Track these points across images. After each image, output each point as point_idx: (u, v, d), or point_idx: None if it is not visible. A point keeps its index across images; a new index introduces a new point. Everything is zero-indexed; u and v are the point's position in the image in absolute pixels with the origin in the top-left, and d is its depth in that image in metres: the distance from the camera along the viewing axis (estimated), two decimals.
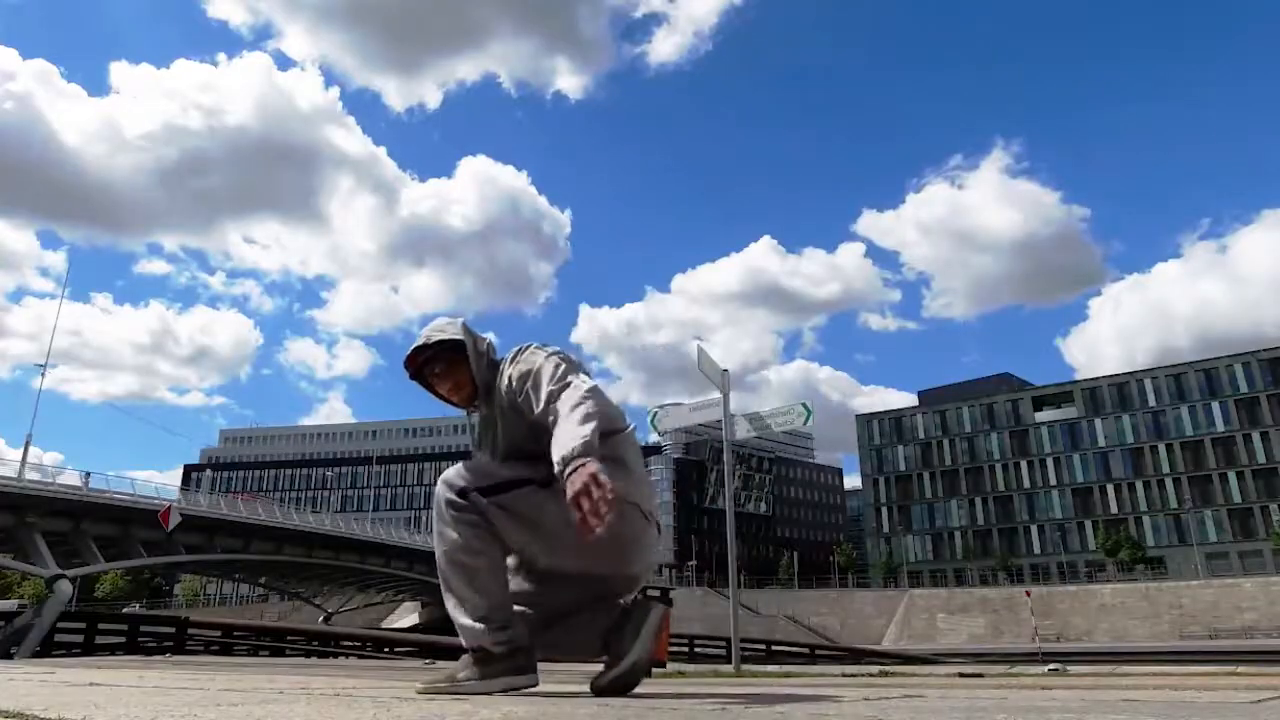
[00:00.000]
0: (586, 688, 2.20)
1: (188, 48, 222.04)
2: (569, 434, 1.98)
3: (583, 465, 1.89)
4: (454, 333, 2.37)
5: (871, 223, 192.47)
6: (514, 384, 2.28)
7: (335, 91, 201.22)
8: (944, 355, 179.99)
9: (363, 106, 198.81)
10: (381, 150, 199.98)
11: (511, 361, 2.34)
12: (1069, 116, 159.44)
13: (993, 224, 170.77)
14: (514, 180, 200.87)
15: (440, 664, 6.81)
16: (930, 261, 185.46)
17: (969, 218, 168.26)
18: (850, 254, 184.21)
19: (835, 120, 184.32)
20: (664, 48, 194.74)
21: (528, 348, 2.35)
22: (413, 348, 2.39)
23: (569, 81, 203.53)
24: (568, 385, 2.14)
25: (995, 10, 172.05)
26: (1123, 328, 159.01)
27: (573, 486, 1.86)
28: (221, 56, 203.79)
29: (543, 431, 2.12)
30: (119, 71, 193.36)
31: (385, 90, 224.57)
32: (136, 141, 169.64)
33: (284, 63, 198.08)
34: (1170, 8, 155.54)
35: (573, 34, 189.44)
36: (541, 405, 2.16)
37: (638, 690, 2.15)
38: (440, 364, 2.38)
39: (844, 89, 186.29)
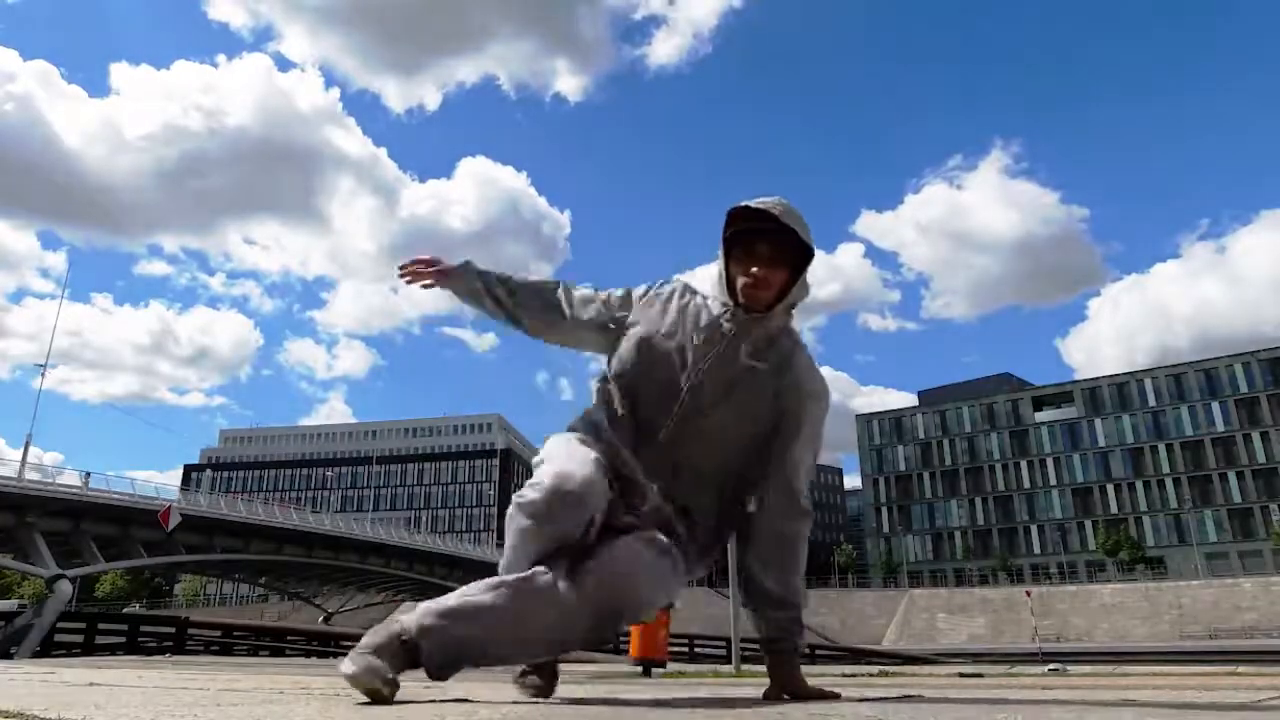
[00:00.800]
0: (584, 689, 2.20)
1: (188, 49, 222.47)
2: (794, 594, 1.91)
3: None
4: (805, 235, 1.86)
5: (870, 223, 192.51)
6: (798, 393, 1.89)
7: (335, 93, 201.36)
8: (943, 356, 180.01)
9: (363, 107, 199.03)
10: (382, 151, 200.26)
11: (808, 364, 1.94)
12: (1068, 117, 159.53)
13: (992, 224, 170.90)
14: (513, 181, 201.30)
15: None
16: (929, 262, 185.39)
17: (968, 218, 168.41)
18: (849, 254, 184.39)
19: (834, 121, 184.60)
20: (663, 49, 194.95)
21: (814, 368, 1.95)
22: (758, 204, 1.85)
23: (568, 83, 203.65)
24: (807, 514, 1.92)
25: (993, 11, 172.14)
26: (1122, 328, 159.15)
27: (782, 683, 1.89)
28: (221, 58, 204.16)
29: (745, 472, 1.88)
30: (119, 73, 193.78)
31: (385, 91, 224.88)
32: (137, 142, 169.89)
33: (284, 64, 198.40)
34: (1169, 8, 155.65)
35: (572, 36, 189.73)
36: (788, 494, 1.89)
37: (639, 691, 2.15)
38: (768, 246, 1.87)
39: (842, 90, 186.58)
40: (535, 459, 1.88)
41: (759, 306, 1.88)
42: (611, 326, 2.02)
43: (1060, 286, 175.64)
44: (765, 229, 1.86)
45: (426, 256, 2.31)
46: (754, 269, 1.86)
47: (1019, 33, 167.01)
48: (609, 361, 2.00)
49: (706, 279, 2.00)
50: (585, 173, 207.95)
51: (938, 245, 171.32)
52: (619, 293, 2.08)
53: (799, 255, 1.89)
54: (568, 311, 2.10)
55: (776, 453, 1.90)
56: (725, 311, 1.90)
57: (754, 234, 1.87)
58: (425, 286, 2.29)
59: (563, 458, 1.78)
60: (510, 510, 1.76)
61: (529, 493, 1.72)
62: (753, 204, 1.85)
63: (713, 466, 1.90)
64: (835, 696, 1.91)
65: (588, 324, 2.06)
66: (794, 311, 1.95)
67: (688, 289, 2.02)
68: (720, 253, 1.92)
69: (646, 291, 2.05)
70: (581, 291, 2.13)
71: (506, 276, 2.21)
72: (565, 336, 2.14)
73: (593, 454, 1.79)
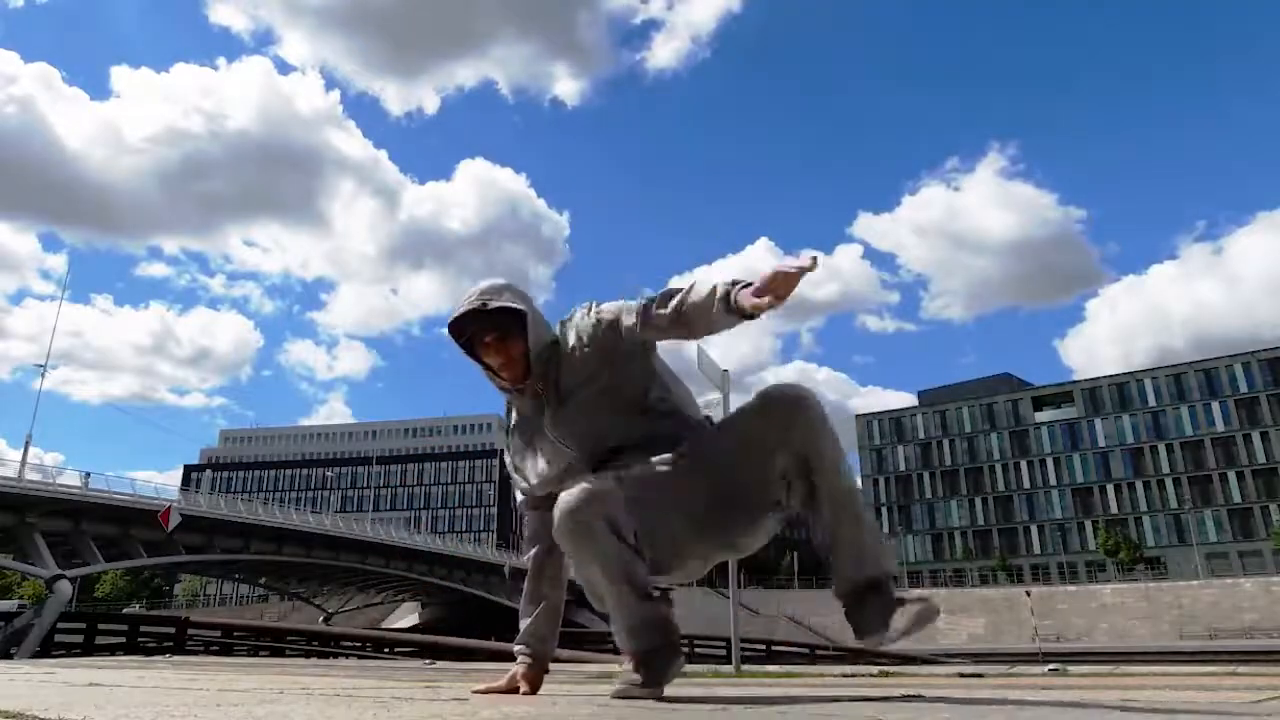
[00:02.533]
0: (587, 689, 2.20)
1: (188, 52, 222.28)
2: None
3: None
4: (511, 299, 2.04)
5: (868, 225, 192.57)
6: (601, 328, 2.05)
7: (336, 95, 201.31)
8: (942, 357, 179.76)
9: (363, 110, 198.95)
10: (383, 154, 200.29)
11: (573, 321, 2.11)
12: (1064, 119, 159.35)
13: (989, 226, 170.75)
14: (512, 183, 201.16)
15: (440, 664, 6.81)
16: (927, 263, 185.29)
17: (965, 220, 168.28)
18: (848, 256, 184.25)
19: (832, 123, 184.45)
20: (663, 53, 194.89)
21: (585, 307, 2.13)
22: (461, 311, 2.03)
23: (567, 87, 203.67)
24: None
25: (990, 13, 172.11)
26: (1120, 329, 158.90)
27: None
28: (221, 61, 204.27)
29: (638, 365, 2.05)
30: (120, 75, 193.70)
31: (385, 94, 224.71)
32: (137, 145, 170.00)
33: (284, 67, 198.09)
34: (1167, 10, 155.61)
35: (572, 40, 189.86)
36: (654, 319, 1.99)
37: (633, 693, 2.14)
38: (492, 333, 2.04)
39: (840, 93, 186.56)
40: None
41: (521, 381, 2.07)
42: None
43: (1058, 288, 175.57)
44: (483, 322, 2.03)
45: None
46: (491, 365, 2.06)
47: (1016, 35, 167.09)
48: None
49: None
50: (584, 175, 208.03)
51: (936, 247, 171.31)
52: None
53: (521, 317, 2.04)
54: None
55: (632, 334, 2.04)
56: (511, 394, 2.13)
57: (481, 331, 2.04)
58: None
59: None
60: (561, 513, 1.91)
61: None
62: (455, 314, 2.04)
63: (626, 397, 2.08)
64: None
65: None
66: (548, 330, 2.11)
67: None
68: (473, 362, 2.10)
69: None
70: None
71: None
72: None
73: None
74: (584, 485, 1.87)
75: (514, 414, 2.21)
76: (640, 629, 1.95)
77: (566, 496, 1.87)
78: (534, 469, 2.17)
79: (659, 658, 1.96)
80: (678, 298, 1.95)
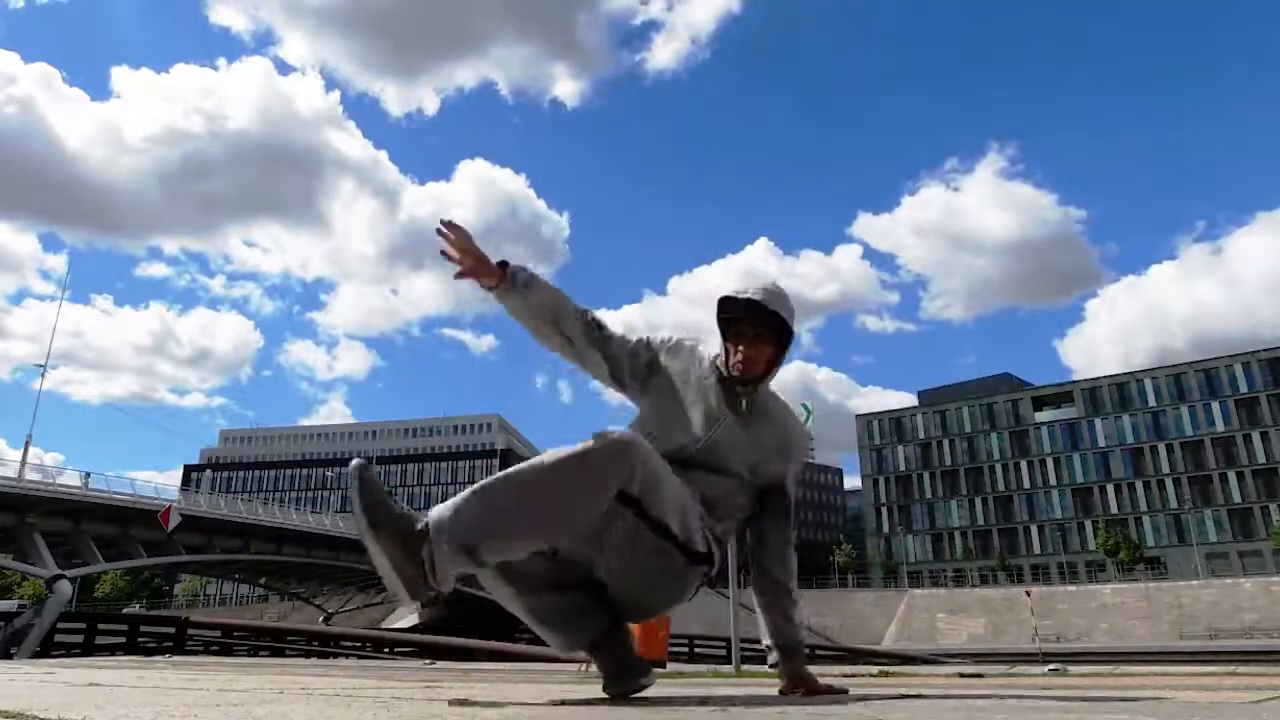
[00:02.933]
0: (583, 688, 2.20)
1: (188, 53, 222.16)
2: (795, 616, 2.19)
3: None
4: (790, 317, 2.14)
5: (867, 225, 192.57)
6: (794, 444, 2.23)
7: (336, 95, 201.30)
8: (942, 357, 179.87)
9: (363, 111, 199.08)
10: (383, 154, 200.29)
11: (785, 411, 2.25)
12: (1064, 119, 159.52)
13: (989, 226, 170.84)
14: (512, 183, 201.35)
15: (440, 664, 6.81)
16: (927, 263, 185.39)
17: (965, 220, 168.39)
18: (847, 256, 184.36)
19: (831, 123, 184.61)
20: (662, 55, 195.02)
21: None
22: (748, 296, 2.10)
23: (567, 88, 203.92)
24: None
25: (988, 14, 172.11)
26: (1119, 329, 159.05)
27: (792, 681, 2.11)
28: (222, 61, 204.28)
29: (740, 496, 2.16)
30: (120, 76, 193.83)
31: (384, 95, 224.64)
32: (137, 145, 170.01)
33: (284, 68, 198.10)
34: (1165, 10, 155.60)
35: (572, 41, 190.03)
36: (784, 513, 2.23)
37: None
38: (754, 329, 2.12)
39: (839, 93, 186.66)
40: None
41: (751, 379, 2.13)
42: (631, 377, 2.27)
43: (1058, 288, 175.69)
44: (757, 319, 2.12)
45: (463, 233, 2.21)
46: (742, 348, 2.12)
47: (1014, 36, 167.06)
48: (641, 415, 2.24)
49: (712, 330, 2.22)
50: (584, 176, 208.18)
51: (935, 247, 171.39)
52: (640, 341, 2.31)
53: (782, 333, 2.15)
54: (614, 351, 2.30)
55: (774, 483, 2.22)
56: (722, 386, 2.15)
57: (747, 322, 2.13)
58: (456, 275, 2.24)
59: None
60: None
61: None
62: (740, 295, 2.11)
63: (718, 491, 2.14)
64: (844, 692, 2.15)
65: (614, 360, 2.28)
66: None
67: (696, 354, 2.25)
68: (720, 334, 2.17)
69: (664, 344, 2.29)
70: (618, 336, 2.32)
71: (583, 310, 2.29)
72: (588, 365, 2.30)
73: None
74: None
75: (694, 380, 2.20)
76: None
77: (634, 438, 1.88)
78: (687, 427, 2.15)
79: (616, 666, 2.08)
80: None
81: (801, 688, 2.11)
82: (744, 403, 2.13)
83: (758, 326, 2.12)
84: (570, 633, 2.08)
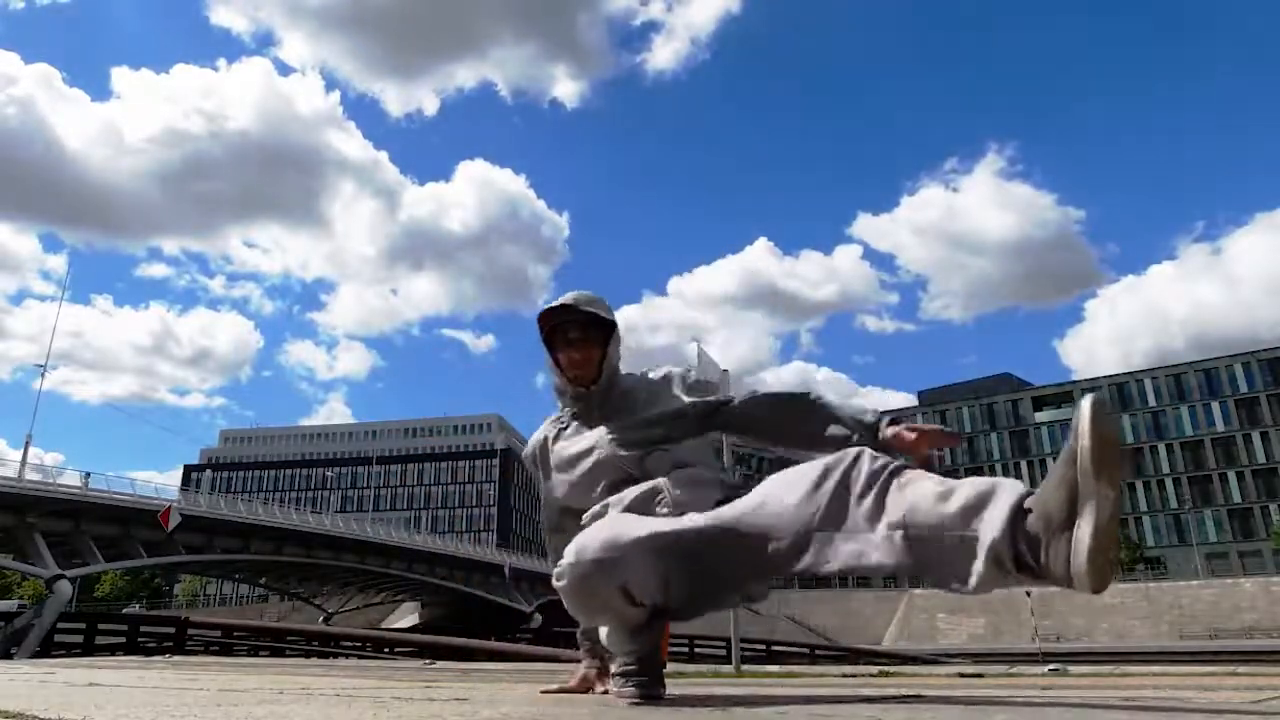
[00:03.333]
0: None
1: (188, 53, 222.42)
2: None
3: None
4: (604, 311, 2.21)
5: (867, 225, 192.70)
6: (661, 384, 2.23)
7: (336, 96, 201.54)
8: (941, 357, 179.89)
9: (363, 111, 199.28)
10: (383, 155, 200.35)
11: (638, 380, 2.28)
12: (1062, 120, 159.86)
13: (988, 226, 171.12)
14: (512, 184, 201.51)
15: (440, 664, 6.81)
16: (926, 264, 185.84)
17: (964, 220, 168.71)
18: (847, 256, 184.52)
19: (829, 125, 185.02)
20: (662, 55, 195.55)
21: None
22: (557, 303, 2.19)
23: (566, 88, 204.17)
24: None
25: (987, 15, 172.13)
26: (1119, 329, 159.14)
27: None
28: (222, 62, 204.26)
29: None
30: (120, 77, 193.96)
31: (384, 96, 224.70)
32: (138, 146, 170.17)
33: (284, 68, 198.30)
34: (1164, 11, 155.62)
35: (572, 42, 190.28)
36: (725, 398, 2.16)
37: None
38: (577, 331, 2.20)
39: (838, 94, 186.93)
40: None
41: (587, 382, 2.18)
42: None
43: (1057, 288, 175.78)
44: (571, 319, 2.18)
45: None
46: (567, 358, 2.18)
47: (1012, 37, 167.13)
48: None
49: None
50: (583, 176, 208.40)
51: (934, 247, 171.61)
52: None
53: (606, 330, 2.20)
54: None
55: (685, 410, 2.16)
56: (576, 413, 2.21)
57: (567, 325, 2.19)
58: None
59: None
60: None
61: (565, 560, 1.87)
62: (553, 304, 2.19)
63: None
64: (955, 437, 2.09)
65: None
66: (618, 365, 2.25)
67: (542, 434, 2.31)
68: (546, 352, 2.23)
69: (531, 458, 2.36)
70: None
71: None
72: None
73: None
74: (602, 543, 1.81)
75: (564, 417, 2.27)
76: (630, 664, 1.96)
77: (580, 557, 1.80)
78: (573, 474, 2.17)
79: (647, 688, 1.98)
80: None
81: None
82: (594, 402, 2.18)
83: (573, 328, 2.18)
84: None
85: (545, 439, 2.28)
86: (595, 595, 1.81)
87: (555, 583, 1.87)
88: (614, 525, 1.88)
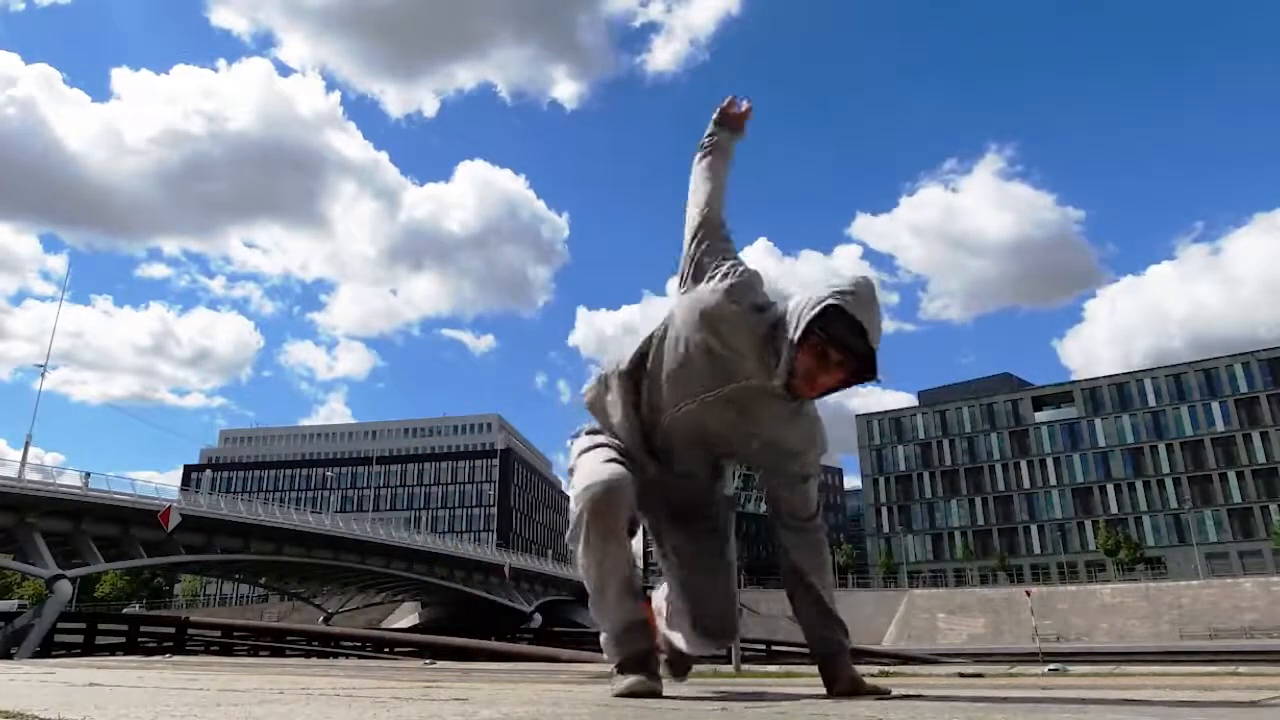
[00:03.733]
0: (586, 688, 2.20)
1: (187, 54, 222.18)
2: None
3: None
4: (879, 370, 1.99)
5: (866, 225, 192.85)
6: (798, 454, 2.19)
7: (336, 97, 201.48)
8: (941, 357, 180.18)
9: (363, 112, 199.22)
10: (383, 155, 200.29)
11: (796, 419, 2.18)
12: (1062, 120, 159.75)
13: (988, 227, 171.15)
14: (512, 184, 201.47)
15: (440, 664, 6.80)
16: (926, 264, 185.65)
17: (964, 221, 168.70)
18: (846, 257, 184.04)
19: (829, 125, 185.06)
20: (662, 57, 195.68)
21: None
22: (864, 325, 1.95)
23: (566, 89, 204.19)
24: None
25: (987, 16, 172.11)
26: (1118, 329, 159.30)
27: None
28: (222, 63, 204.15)
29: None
30: (120, 77, 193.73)
31: (384, 96, 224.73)
32: (138, 146, 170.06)
33: (284, 69, 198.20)
34: (1163, 12, 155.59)
35: (572, 43, 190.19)
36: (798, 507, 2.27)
37: (639, 690, 2.14)
38: (854, 365, 1.97)
39: (837, 95, 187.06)
40: (570, 464, 2.22)
41: (787, 394, 2.00)
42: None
43: (1057, 288, 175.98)
44: (861, 348, 1.95)
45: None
46: (823, 377, 1.95)
47: (1012, 37, 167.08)
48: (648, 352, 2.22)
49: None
50: (583, 176, 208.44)
51: (934, 248, 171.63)
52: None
53: (855, 377, 2.00)
54: None
55: (788, 482, 2.23)
56: (761, 383, 2.02)
57: (847, 347, 1.94)
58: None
59: (591, 467, 2.09)
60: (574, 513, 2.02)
61: (582, 499, 2.00)
62: (860, 317, 1.93)
63: (696, 455, 2.24)
64: (887, 693, 2.11)
65: None
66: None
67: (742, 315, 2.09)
68: (797, 331, 1.94)
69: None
70: None
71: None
72: None
73: (617, 461, 2.11)
74: (616, 474, 2.01)
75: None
76: (623, 635, 2.07)
77: (595, 479, 1.99)
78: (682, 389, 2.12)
79: (647, 658, 2.02)
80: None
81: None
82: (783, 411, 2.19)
83: (854, 364, 1.98)
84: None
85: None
86: (617, 516, 1.96)
87: (577, 498, 2.02)
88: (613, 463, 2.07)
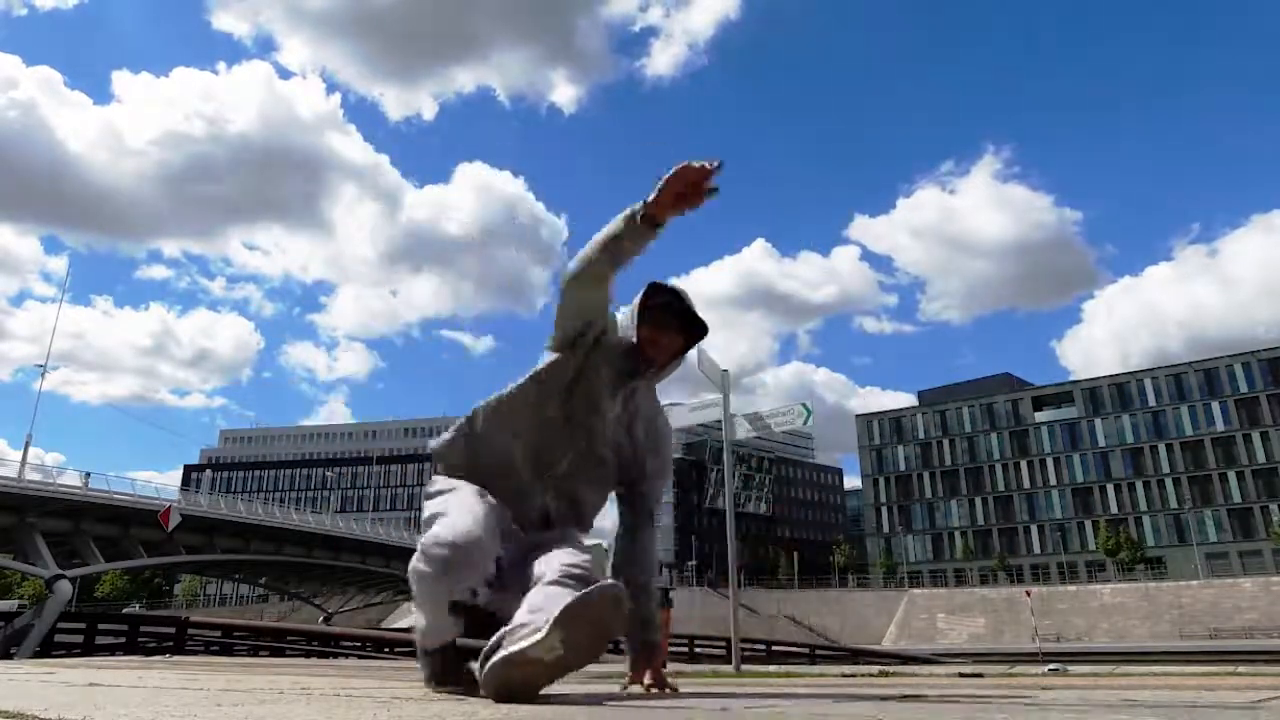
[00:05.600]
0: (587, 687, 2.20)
1: (188, 56, 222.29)
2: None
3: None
4: (705, 323, 2.32)
5: (864, 227, 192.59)
6: (659, 427, 2.36)
7: (336, 99, 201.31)
8: (940, 358, 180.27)
9: (363, 115, 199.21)
10: (384, 158, 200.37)
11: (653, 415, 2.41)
12: (1059, 122, 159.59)
13: (986, 228, 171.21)
14: (510, 186, 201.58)
15: None
16: (925, 265, 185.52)
17: (962, 222, 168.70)
18: (845, 258, 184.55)
19: (827, 126, 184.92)
20: (661, 60, 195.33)
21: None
22: (674, 285, 2.30)
23: (565, 93, 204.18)
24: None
25: (986, 16, 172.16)
26: (1117, 330, 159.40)
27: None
28: (222, 65, 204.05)
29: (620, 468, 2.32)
30: (121, 80, 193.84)
31: (384, 99, 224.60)
32: (138, 148, 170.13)
33: (284, 72, 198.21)
34: (1162, 13, 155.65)
35: (571, 47, 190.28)
36: (653, 474, 2.34)
37: (639, 690, 2.15)
38: (677, 321, 2.30)
39: (835, 96, 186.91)
40: (425, 514, 2.15)
41: (638, 372, 2.28)
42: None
43: (1055, 289, 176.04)
44: (680, 308, 2.27)
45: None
46: (653, 338, 2.26)
47: (1009, 38, 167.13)
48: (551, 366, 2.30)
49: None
50: (582, 179, 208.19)
51: (932, 249, 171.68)
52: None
53: (692, 338, 2.32)
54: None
55: (645, 475, 2.36)
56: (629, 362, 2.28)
57: (666, 309, 2.28)
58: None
59: (456, 514, 2.04)
60: (416, 568, 1.93)
61: (434, 550, 1.90)
62: (670, 283, 2.30)
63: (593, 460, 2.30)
64: (675, 690, 2.27)
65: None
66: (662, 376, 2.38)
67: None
68: (634, 316, 2.28)
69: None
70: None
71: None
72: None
73: (481, 505, 2.08)
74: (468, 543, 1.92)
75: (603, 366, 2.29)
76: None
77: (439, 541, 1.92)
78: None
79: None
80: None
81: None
82: (632, 384, 2.36)
83: (677, 320, 2.30)
84: None
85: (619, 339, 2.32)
86: (441, 599, 1.91)
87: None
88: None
